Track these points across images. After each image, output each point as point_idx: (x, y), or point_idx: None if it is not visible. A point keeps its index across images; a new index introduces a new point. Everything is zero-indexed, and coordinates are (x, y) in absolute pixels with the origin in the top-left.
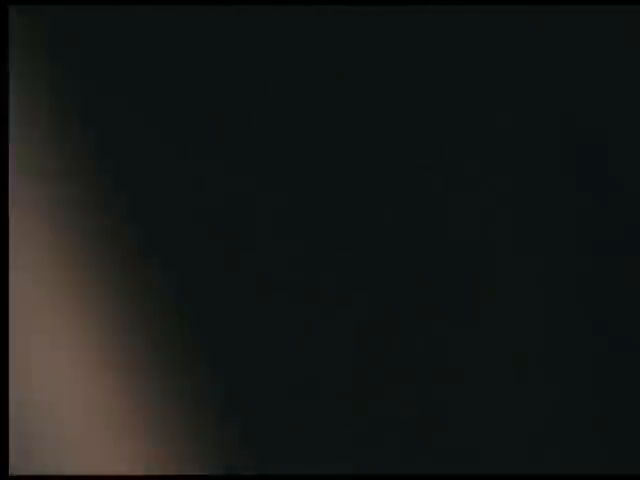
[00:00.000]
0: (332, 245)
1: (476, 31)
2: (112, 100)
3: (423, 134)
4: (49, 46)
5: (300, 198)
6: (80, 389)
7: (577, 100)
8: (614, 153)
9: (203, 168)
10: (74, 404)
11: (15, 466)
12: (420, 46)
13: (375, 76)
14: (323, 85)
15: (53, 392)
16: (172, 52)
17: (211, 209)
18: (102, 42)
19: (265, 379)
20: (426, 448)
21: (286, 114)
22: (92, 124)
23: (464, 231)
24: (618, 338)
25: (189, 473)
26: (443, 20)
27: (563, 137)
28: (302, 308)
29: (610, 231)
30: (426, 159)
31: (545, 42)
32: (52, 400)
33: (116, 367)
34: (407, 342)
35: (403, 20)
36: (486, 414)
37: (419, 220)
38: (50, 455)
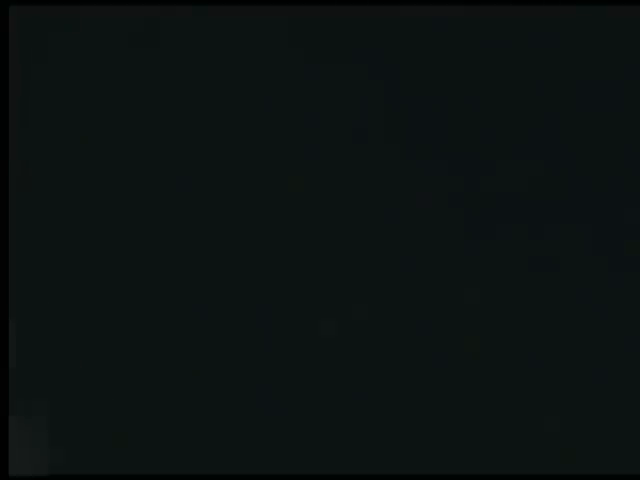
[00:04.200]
0: (332, 245)
1: (476, 32)
2: (112, 99)
3: (422, 133)
4: (49, 46)
5: (299, 197)
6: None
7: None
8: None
9: (201, 166)
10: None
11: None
12: (419, 46)
13: (375, 77)
14: (323, 85)
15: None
16: (171, 52)
17: (209, 208)
18: (101, 42)
19: (264, 379)
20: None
21: (284, 115)
22: (92, 123)
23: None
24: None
25: (189, 473)
26: (443, 20)
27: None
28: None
29: (613, 233)
30: (425, 159)
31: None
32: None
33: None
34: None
35: (403, 21)
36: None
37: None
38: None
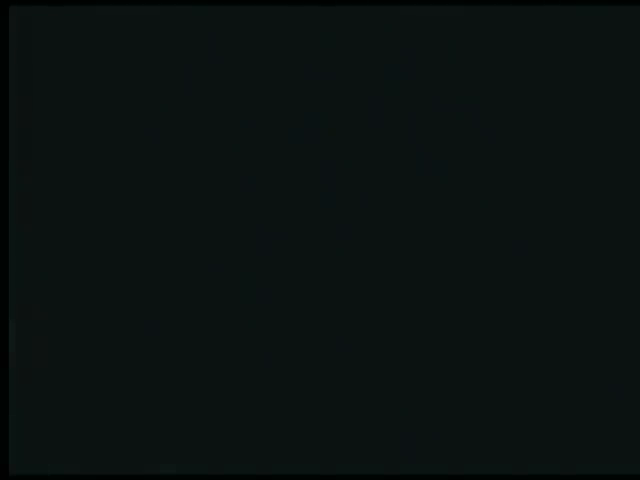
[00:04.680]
0: (331, 243)
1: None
2: (111, 99)
3: (422, 132)
4: (49, 46)
5: (299, 195)
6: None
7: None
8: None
9: (201, 166)
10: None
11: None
12: (419, 45)
13: (373, 76)
14: (322, 85)
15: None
16: (171, 51)
17: (209, 208)
18: (101, 42)
19: (262, 378)
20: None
21: (284, 114)
22: (91, 123)
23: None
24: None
25: (189, 473)
26: (442, 20)
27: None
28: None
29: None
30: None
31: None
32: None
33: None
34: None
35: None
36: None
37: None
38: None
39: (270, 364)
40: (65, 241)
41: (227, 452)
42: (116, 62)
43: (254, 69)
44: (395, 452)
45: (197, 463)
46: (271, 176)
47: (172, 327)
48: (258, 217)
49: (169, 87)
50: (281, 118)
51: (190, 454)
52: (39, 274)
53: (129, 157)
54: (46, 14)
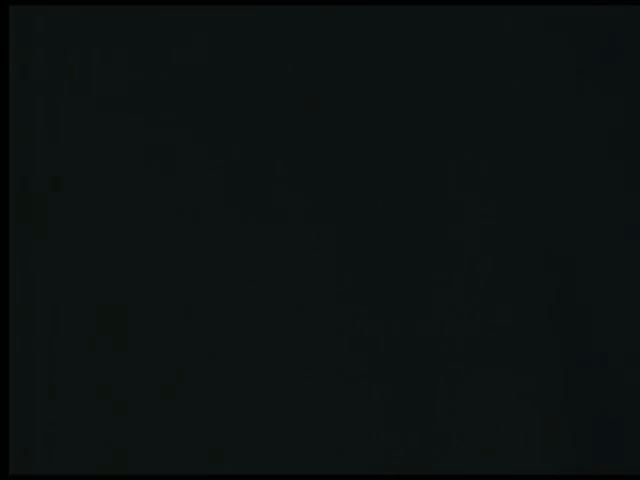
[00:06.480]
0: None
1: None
2: (112, 99)
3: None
4: (49, 46)
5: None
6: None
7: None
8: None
9: (201, 166)
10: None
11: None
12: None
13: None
14: (321, 84)
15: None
16: (171, 51)
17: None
18: (102, 42)
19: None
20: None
21: (283, 113)
22: (92, 123)
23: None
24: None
25: (189, 473)
26: (441, 20)
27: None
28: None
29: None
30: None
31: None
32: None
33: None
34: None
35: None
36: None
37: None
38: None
39: (268, 364)
40: (66, 240)
41: (227, 452)
42: (117, 62)
43: (252, 69)
44: (393, 452)
45: (197, 463)
46: (269, 176)
47: (172, 327)
48: (257, 217)
49: (169, 87)
50: (278, 118)
51: (190, 454)
52: (39, 274)
53: (130, 157)
54: (46, 14)
